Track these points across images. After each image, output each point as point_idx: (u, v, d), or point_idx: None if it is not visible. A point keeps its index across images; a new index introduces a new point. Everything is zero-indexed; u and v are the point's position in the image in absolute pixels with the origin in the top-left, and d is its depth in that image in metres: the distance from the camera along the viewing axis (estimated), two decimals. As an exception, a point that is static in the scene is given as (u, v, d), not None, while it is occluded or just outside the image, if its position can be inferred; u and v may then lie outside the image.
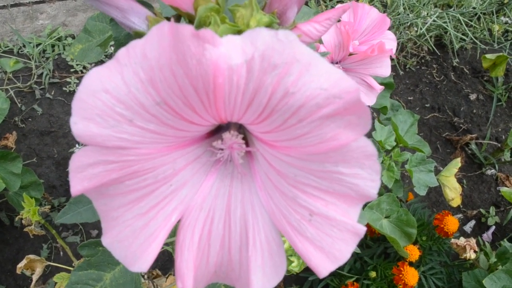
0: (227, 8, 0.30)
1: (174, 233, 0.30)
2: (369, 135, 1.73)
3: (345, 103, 0.21)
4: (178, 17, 0.33)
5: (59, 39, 1.80)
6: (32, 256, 1.01)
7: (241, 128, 0.30)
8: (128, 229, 0.26)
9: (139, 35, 0.31)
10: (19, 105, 1.64)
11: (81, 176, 0.23)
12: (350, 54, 0.83)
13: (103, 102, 0.22)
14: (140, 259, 0.25)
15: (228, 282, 0.29)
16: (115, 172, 0.24)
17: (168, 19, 0.34)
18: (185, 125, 0.24)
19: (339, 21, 0.81)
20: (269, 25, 0.30)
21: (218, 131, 0.30)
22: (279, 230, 0.27)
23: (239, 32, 0.29)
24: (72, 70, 1.75)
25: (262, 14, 0.30)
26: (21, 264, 0.99)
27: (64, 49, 1.78)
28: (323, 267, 0.24)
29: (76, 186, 0.23)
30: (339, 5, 0.70)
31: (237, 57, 0.21)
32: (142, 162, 0.25)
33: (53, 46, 1.78)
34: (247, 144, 0.30)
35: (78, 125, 0.22)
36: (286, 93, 0.21)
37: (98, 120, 0.22)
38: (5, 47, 1.75)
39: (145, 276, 1.15)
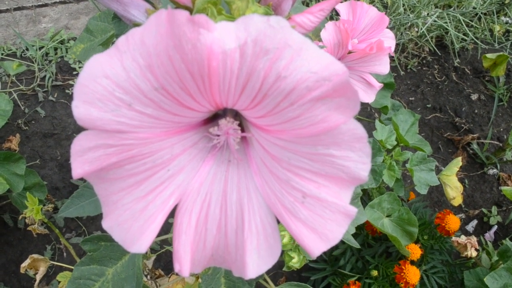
0: (224, 0, 0.31)
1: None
2: (370, 135, 1.74)
3: (334, 85, 0.21)
4: (176, 10, 0.34)
5: (61, 42, 1.82)
6: (35, 256, 1.02)
7: (237, 116, 0.31)
8: (127, 212, 0.27)
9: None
10: (22, 107, 1.66)
11: (82, 160, 0.24)
12: (349, 52, 0.84)
13: (104, 87, 0.23)
14: (138, 240, 0.26)
15: (224, 266, 0.29)
16: (114, 156, 0.25)
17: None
18: (182, 110, 0.25)
19: (338, 20, 0.82)
20: (264, 17, 0.31)
21: (215, 118, 0.31)
22: (273, 213, 0.28)
23: (234, 23, 0.30)
24: (74, 72, 1.77)
25: (257, 6, 0.31)
26: (24, 264, 1.00)
27: (66, 52, 1.80)
28: (316, 247, 0.25)
29: (77, 169, 0.24)
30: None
31: (230, 41, 0.21)
32: (140, 146, 0.26)
33: (55, 49, 1.80)
34: (242, 131, 0.30)
35: (80, 108, 0.23)
36: (278, 77, 0.22)
37: (99, 104, 0.23)
38: (8, 50, 1.77)
39: (148, 276, 1.16)
